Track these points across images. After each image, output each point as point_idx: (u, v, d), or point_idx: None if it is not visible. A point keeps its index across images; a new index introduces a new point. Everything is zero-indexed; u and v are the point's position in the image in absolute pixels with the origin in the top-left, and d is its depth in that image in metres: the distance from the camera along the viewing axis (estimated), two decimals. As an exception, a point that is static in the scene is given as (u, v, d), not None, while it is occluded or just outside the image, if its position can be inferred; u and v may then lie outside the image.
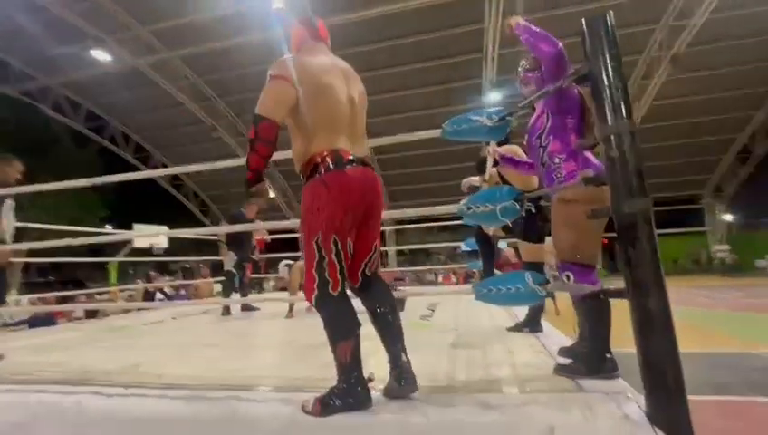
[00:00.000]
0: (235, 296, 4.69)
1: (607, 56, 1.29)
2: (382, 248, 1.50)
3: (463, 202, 1.70)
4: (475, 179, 3.31)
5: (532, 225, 2.43)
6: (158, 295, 7.54)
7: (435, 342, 2.35)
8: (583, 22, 1.34)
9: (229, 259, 4.67)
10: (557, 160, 1.61)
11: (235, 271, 4.66)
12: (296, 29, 1.64)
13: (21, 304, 5.62)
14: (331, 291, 1.38)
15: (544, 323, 2.53)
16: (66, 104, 14.72)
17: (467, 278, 12.04)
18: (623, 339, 1.53)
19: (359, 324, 1.40)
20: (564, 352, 1.76)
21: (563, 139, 1.61)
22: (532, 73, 1.80)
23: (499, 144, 2.38)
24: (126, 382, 1.86)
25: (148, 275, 9.89)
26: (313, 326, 3.30)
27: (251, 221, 4.65)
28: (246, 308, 4.67)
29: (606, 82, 1.29)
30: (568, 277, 1.52)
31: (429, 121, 11.64)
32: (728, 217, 17.96)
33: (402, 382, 1.38)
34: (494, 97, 11.51)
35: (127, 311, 5.79)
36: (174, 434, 1.48)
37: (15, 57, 12.70)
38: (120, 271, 11.38)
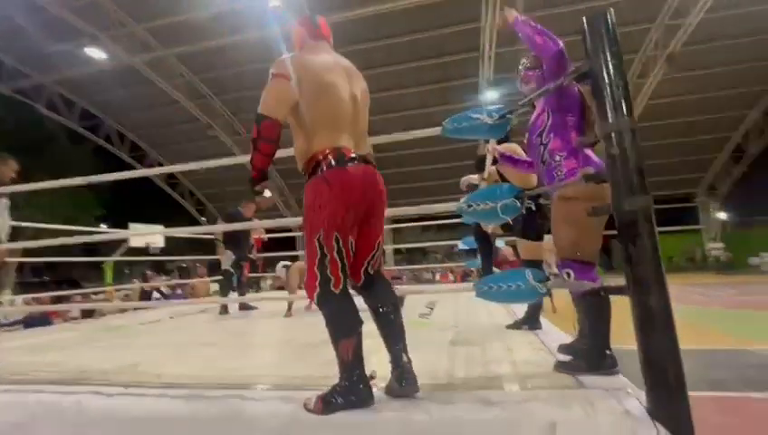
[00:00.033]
0: (233, 295, 4.68)
1: (608, 54, 1.30)
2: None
3: (463, 200, 1.70)
4: (474, 178, 3.32)
5: (532, 223, 2.44)
6: (155, 295, 7.50)
7: (434, 340, 2.35)
8: (584, 20, 1.34)
9: (227, 258, 4.65)
10: (557, 158, 1.62)
11: (232, 270, 4.65)
12: (298, 27, 1.64)
13: (15, 303, 5.57)
14: (332, 289, 1.38)
15: (543, 320, 2.54)
16: (60, 102, 14.59)
17: (465, 277, 12.09)
18: (622, 335, 1.55)
19: (360, 322, 1.40)
20: (564, 349, 1.77)
21: (564, 136, 1.61)
22: (532, 72, 1.80)
23: (498, 142, 2.39)
24: (125, 382, 1.85)
25: (145, 274, 9.83)
26: (312, 325, 3.31)
27: (248, 220, 4.64)
28: (244, 307, 4.66)
29: (607, 80, 1.29)
30: (568, 274, 1.52)
31: (425, 120, 11.65)
32: (722, 216, 18.13)
33: (403, 383, 1.38)
34: (490, 96, 11.53)
35: (123, 310, 5.76)
36: (174, 433, 1.48)
37: (9, 55, 12.57)
38: (116, 271, 11.29)
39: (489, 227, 3.41)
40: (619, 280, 1.35)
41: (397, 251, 18.85)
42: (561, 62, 1.60)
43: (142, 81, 12.44)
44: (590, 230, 1.54)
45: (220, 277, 4.85)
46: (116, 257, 9.02)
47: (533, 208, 2.42)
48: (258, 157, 1.41)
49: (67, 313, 6.03)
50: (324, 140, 1.42)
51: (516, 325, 2.52)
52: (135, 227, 10.58)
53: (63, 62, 12.24)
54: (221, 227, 4.72)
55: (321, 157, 1.40)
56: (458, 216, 1.81)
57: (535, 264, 2.46)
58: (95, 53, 11.34)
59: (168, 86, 12.62)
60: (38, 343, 3.28)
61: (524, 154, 2.43)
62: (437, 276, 13.81)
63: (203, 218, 19.36)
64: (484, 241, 3.69)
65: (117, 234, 6.25)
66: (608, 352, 1.55)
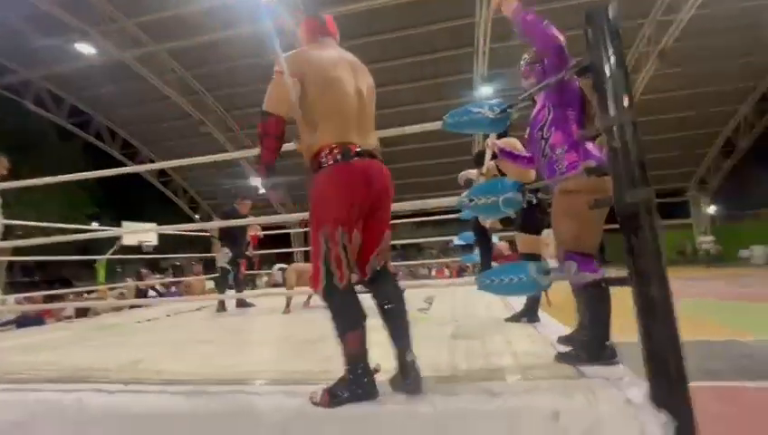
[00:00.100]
0: (230, 293, 4.65)
1: (609, 47, 1.30)
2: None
3: (464, 194, 1.71)
4: (473, 173, 3.33)
5: (531, 217, 2.46)
6: (151, 293, 7.44)
7: (434, 333, 2.36)
8: (585, 14, 1.35)
9: (223, 255, 4.62)
10: (558, 152, 1.63)
11: (229, 267, 4.62)
12: (304, 24, 1.65)
13: (7, 303, 5.49)
14: (337, 283, 1.38)
15: (541, 313, 2.57)
16: (49, 98, 14.31)
17: (460, 272, 12.15)
18: (618, 328, 1.57)
19: (365, 316, 1.41)
20: (564, 340, 1.80)
21: (565, 130, 1.63)
22: (533, 66, 1.81)
23: (498, 137, 2.40)
24: (125, 379, 1.84)
25: (139, 272, 9.74)
26: (311, 321, 3.32)
27: (244, 217, 4.61)
28: (242, 304, 4.64)
29: (608, 73, 1.30)
30: (570, 267, 1.54)
31: (420, 116, 11.64)
32: (712, 209, 18.41)
33: (408, 380, 1.39)
34: (485, 91, 11.54)
35: (119, 309, 5.71)
36: (177, 429, 1.47)
37: (-5, 50, 12.31)
38: (109, 270, 11.16)
39: (487, 222, 3.43)
40: (613, 273, 1.37)
41: (392, 247, 18.85)
42: (562, 57, 1.61)
43: (133, 76, 12.25)
44: (591, 223, 1.55)
45: (217, 275, 4.82)
46: (108, 256, 8.90)
47: (533, 203, 2.44)
48: (265, 153, 1.44)
49: (60, 312, 5.96)
50: (330, 135, 1.43)
51: (515, 318, 2.55)
52: (128, 226, 10.46)
53: (52, 58, 12.00)
54: (216, 224, 4.69)
55: (326, 151, 1.41)
56: (454, 211, 1.82)
57: (534, 257, 2.48)
58: (84, 48, 11.14)
59: (159, 82, 12.45)
60: (32, 342, 3.24)
61: (523, 149, 2.45)
62: (433, 272, 13.86)
63: (196, 216, 19.20)
64: (483, 236, 3.71)
65: (109, 232, 6.18)
66: (607, 343, 1.57)
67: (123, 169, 3.07)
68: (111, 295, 7.43)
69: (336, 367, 1.47)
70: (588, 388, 1.30)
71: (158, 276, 10.53)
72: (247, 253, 5.14)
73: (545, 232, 2.45)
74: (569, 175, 1.57)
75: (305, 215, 2.42)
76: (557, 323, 2.38)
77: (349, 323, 1.39)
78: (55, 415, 1.58)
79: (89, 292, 7.60)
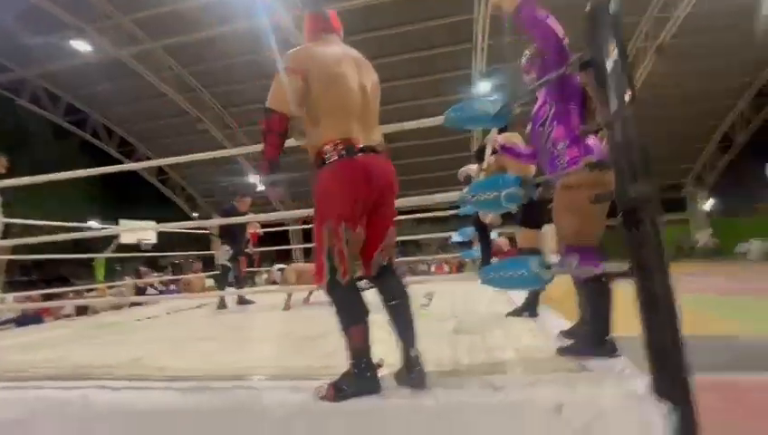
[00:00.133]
0: (230, 290, 4.66)
1: (611, 41, 1.30)
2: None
3: (466, 190, 1.71)
4: (473, 168, 3.33)
5: (532, 212, 2.46)
6: (150, 291, 7.43)
7: (436, 329, 2.37)
8: (587, 8, 1.35)
9: (223, 253, 4.62)
10: (560, 147, 1.63)
11: (230, 265, 4.62)
12: (308, 20, 1.65)
13: (6, 302, 5.47)
14: (340, 278, 1.39)
15: (542, 308, 2.58)
16: (45, 97, 14.19)
17: (460, 268, 12.18)
18: (617, 323, 1.58)
19: (368, 311, 1.42)
20: (565, 334, 1.80)
21: (566, 125, 1.63)
22: (534, 61, 1.80)
23: (499, 131, 2.40)
24: (128, 376, 1.84)
25: (138, 270, 9.72)
26: (311, 318, 3.32)
27: (243, 215, 4.60)
28: (242, 302, 4.65)
29: (610, 67, 1.30)
30: (572, 261, 1.55)
31: (418, 112, 11.61)
32: (710, 204, 18.49)
33: (412, 374, 1.39)
34: (483, 87, 11.53)
35: (118, 307, 5.70)
36: (183, 425, 1.48)
37: (-11, 48, 12.20)
38: (107, 268, 11.12)
39: (488, 218, 3.44)
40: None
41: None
42: (562, 52, 1.60)
43: (129, 74, 12.17)
44: (592, 217, 1.56)
45: (216, 272, 4.82)
46: (107, 254, 8.87)
47: (534, 198, 2.44)
48: (268, 149, 1.45)
49: (60, 310, 5.95)
50: (334, 131, 1.43)
51: (516, 313, 2.56)
52: (125, 224, 10.42)
53: (47, 56, 11.91)
54: (215, 222, 4.68)
55: (330, 147, 1.41)
56: (454, 208, 1.82)
57: (534, 252, 2.49)
58: (80, 46, 11.05)
59: (156, 79, 12.37)
60: (32, 340, 3.24)
61: (523, 144, 2.45)
62: (432, 268, 13.89)
63: (194, 214, 19.15)
64: (483, 231, 3.72)
65: (108, 230, 6.16)
66: (608, 337, 1.58)
67: (121, 166, 3.07)
68: (110, 294, 7.41)
69: (338, 363, 1.47)
70: (590, 380, 1.32)
71: (156, 275, 10.51)
72: (247, 250, 5.14)
73: (545, 227, 2.46)
74: (570, 170, 1.58)
75: (304, 212, 2.43)
76: (558, 318, 2.39)
77: (352, 317, 1.40)
78: (57, 412, 1.58)
79: (88, 290, 7.58)
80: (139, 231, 9.79)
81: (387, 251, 1.53)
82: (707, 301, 6.16)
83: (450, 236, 5.05)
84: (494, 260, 3.85)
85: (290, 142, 1.63)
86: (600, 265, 1.55)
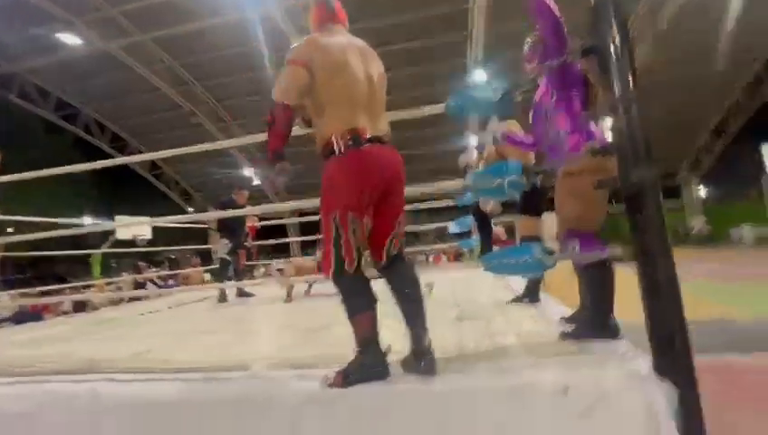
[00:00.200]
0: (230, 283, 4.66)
1: (614, 26, 1.30)
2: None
3: (469, 177, 1.72)
4: (472, 157, 3.33)
5: (532, 200, 2.47)
6: (149, 286, 7.42)
7: (439, 317, 2.37)
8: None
9: (222, 246, 4.62)
10: (562, 134, 1.64)
11: (228, 258, 4.62)
12: (314, 12, 1.65)
13: (2, 300, 5.45)
14: (347, 267, 1.40)
15: (542, 294, 2.61)
16: (34, 92, 13.93)
17: (457, 257, 12.25)
18: (619, 309, 1.61)
19: (375, 299, 1.43)
20: (567, 319, 1.83)
21: (568, 112, 1.63)
22: (537, 50, 1.80)
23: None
24: (135, 368, 1.85)
25: (137, 265, 9.68)
26: (313, 310, 3.33)
27: (241, 208, 4.59)
28: (242, 294, 4.66)
29: (613, 53, 1.30)
30: (574, 247, 1.56)
31: (414, 102, 11.53)
32: (704, 191, 18.66)
33: (423, 362, 1.40)
34: (479, 76, 11.47)
35: (116, 303, 5.69)
36: (192, 416, 1.49)
37: (-25, 42, 11.93)
38: (103, 264, 11.06)
39: (488, 206, 3.45)
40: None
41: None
42: (561, 38, 1.59)
43: (120, 67, 11.98)
44: (595, 203, 1.57)
45: (215, 266, 4.82)
46: (103, 250, 8.80)
47: (536, 184, 2.45)
48: (273, 139, 1.44)
49: (59, 307, 5.93)
50: (340, 121, 1.43)
51: (517, 300, 2.59)
52: (121, 220, 10.35)
53: (35, 50, 11.66)
54: (211, 215, 4.67)
55: (337, 138, 1.42)
56: (451, 198, 1.83)
57: (534, 240, 2.50)
58: (69, 39, 10.85)
59: (147, 72, 12.19)
60: (32, 337, 3.23)
61: (522, 131, 2.45)
62: (431, 258, 13.95)
63: (190, 208, 19.03)
64: (483, 220, 3.73)
65: (103, 225, 6.13)
66: (610, 320, 1.60)
67: (114, 160, 3.04)
68: (109, 290, 7.39)
69: (342, 352, 1.48)
70: (595, 362, 1.34)
71: (154, 270, 10.48)
72: (246, 243, 5.13)
73: (545, 215, 2.48)
74: (572, 157, 1.59)
75: (300, 204, 2.43)
76: (558, 304, 2.42)
77: (359, 305, 1.41)
78: (65, 406, 1.58)
79: (85, 286, 7.55)
80: (135, 227, 9.71)
81: (397, 240, 1.53)
82: (703, 286, 6.26)
83: (447, 227, 5.06)
84: (494, 249, 3.88)
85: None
86: (606, 249, 1.57)
